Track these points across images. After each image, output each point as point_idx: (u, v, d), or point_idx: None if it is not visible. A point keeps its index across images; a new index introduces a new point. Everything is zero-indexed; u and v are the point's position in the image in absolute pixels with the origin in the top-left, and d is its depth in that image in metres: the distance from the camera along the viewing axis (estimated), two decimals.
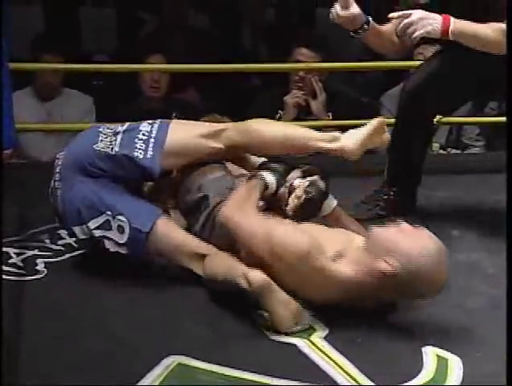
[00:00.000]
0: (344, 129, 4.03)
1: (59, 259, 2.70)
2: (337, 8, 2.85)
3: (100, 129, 2.62)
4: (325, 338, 2.23)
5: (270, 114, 4.00)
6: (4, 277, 2.54)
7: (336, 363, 2.12)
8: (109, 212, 2.51)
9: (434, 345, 2.19)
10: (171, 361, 2.09)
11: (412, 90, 2.98)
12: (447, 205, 3.00)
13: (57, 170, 2.62)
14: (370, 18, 2.91)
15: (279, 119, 4.00)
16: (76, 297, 2.46)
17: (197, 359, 2.11)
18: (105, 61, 5.10)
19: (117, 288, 2.48)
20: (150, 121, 2.63)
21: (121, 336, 2.22)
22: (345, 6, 2.83)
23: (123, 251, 2.52)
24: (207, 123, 2.68)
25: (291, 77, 4.09)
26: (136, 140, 2.56)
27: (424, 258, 2.19)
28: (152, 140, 2.56)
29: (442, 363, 2.13)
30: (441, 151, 4.18)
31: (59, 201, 2.60)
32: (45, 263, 2.65)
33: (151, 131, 2.58)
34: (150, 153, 2.54)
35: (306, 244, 2.26)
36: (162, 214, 2.56)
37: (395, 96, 4.23)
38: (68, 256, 2.72)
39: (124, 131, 2.59)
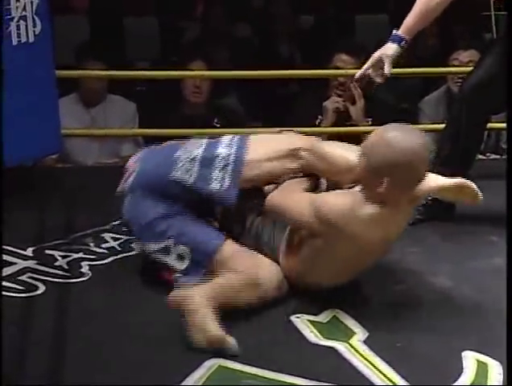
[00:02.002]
0: None
1: (103, 262, 2.74)
2: None
3: (176, 155, 2.56)
4: (365, 341, 2.25)
5: (310, 119, 4.04)
6: (50, 279, 2.59)
7: (375, 367, 2.14)
8: (171, 240, 2.50)
9: (473, 350, 2.20)
10: (213, 363, 2.12)
11: (469, 90, 2.99)
12: (485, 211, 2.99)
13: (130, 180, 2.59)
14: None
15: (319, 124, 4.02)
16: (119, 299, 2.50)
17: (238, 361, 2.13)
18: (147, 68, 5.16)
19: (159, 291, 2.49)
20: (227, 141, 2.59)
21: (163, 338, 2.25)
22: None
23: (175, 278, 2.50)
24: (284, 140, 2.65)
25: (331, 83, 4.11)
26: (213, 168, 2.53)
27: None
28: (230, 168, 2.52)
29: (482, 368, 2.14)
30: (480, 156, 4.16)
31: (126, 210, 2.59)
32: (89, 266, 2.69)
33: (229, 156, 2.54)
34: (226, 184, 2.51)
35: (348, 199, 2.34)
36: (225, 239, 2.52)
37: (434, 101, 4.26)
38: (111, 259, 2.76)
39: (201, 159, 2.54)
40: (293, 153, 2.54)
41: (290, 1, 5.78)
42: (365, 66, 2.91)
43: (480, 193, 2.42)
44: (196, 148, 2.58)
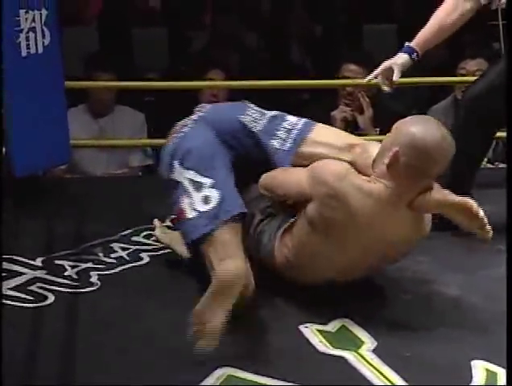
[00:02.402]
0: None
1: (112, 271, 2.74)
2: None
3: (249, 105, 2.67)
4: (374, 351, 2.25)
5: None
6: (59, 289, 2.60)
7: (385, 376, 2.13)
8: (210, 180, 2.49)
9: (483, 359, 2.20)
10: (222, 372, 2.12)
11: (469, 99, 2.99)
12: (494, 219, 2.98)
13: (191, 119, 2.66)
14: None
15: None
16: (128, 308, 2.50)
17: (248, 371, 2.13)
18: (156, 78, 5.18)
19: (168, 300, 2.52)
20: (296, 117, 2.65)
21: (172, 348, 2.25)
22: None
23: (190, 215, 2.47)
24: (344, 134, 2.72)
25: (339, 92, 4.12)
26: (280, 127, 2.59)
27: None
28: (295, 132, 2.58)
29: (491, 377, 2.13)
30: (489, 165, 4.16)
31: (179, 137, 2.62)
32: (98, 275, 2.70)
33: (297, 124, 2.61)
34: (288, 145, 2.56)
35: (344, 165, 2.41)
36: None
37: (441, 110, 4.26)
38: (120, 268, 2.76)
39: (271, 117, 2.63)
40: (349, 148, 2.56)
41: (305, 7, 5.82)
42: (375, 72, 2.92)
43: (488, 226, 2.40)
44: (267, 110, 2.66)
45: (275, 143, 2.57)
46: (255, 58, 5.29)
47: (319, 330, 2.35)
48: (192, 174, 2.53)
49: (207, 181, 2.50)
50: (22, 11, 3.07)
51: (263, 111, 2.67)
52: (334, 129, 2.87)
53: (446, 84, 4.23)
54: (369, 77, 2.96)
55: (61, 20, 3.31)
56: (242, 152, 2.61)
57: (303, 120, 2.65)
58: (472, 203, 2.40)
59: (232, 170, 2.57)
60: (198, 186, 2.50)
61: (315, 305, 2.46)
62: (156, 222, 2.88)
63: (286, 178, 2.53)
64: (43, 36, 3.16)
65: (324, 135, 2.61)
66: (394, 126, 2.44)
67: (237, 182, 2.56)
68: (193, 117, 2.70)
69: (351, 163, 2.49)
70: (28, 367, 2.11)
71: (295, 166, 2.55)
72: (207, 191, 2.49)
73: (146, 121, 4.34)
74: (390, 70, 2.90)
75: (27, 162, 3.15)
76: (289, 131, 2.59)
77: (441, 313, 2.48)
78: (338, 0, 6.40)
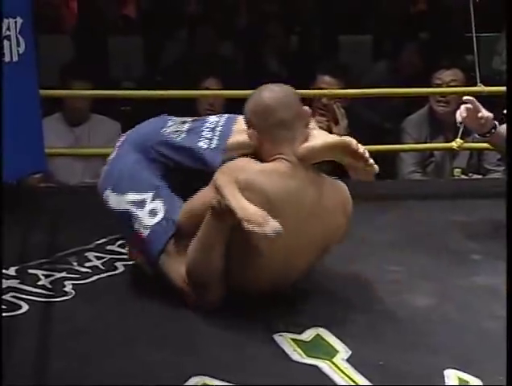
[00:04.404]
0: None
1: (86, 281, 2.73)
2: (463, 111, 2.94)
3: (169, 118, 2.68)
4: (348, 360, 2.25)
5: None
6: (33, 298, 2.59)
7: (358, 385, 2.13)
8: (150, 193, 2.54)
9: (456, 368, 2.20)
10: (197, 381, 2.12)
11: None
12: (467, 229, 3.02)
13: (116, 146, 2.69)
14: (497, 123, 3.00)
15: None
16: (103, 317, 2.49)
17: (220, 379, 2.13)
18: (132, 87, 5.18)
19: (143, 310, 2.52)
20: (217, 116, 2.67)
21: (148, 356, 2.25)
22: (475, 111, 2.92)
23: (145, 234, 2.51)
24: None
25: (315, 103, 4.13)
26: (203, 128, 2.60)
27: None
28: (219, 128, 2.59)
29: None
30: (463, 176, 4.20)
31: (110, 163, 2.66)
32: (73, 285, 2.69)
33: (219, 120, 2.62)
34: (215, 142, 2.56)
35: (245, 160, 2.48)
36: None
37: (416, 121, 4.29)
38: (95, 278, 2.75)
39: (192, 120, 2.65)
40: None
41: (280, 19, 5.84)
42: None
43: (371, 160, 2.42)
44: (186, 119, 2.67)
45: (202, 144, 2.57)
46: (231, 68, 5.30)
47: (293, 339, 2.35)
48: (130, 196, 2.56)
49: (147, 196, 2.54)
50: None
51: (184, 119, 2.67)
52: None
53: (421, 95, 4.25)
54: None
55: (37, 28, 3.30)
56: (171, 164, 2.59)
57: (225, 115, 2.66)
58: (350, 139, 2.44)
59: (167, 184, 2.57)
60: (140, 203, 2.54)
61: (289, 314, 2.47)
62: None
63: (189, 202, 2.52)
64: (18, 44, 3.15)
65: None
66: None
67: (180, 193, 2.57)
68: (117, 144, 2.71)
69: None
70: (2, 376, 2.09)
71: (227, 159, 2.53)
72: (151, 205, 2.53)
73: (122, 130, 4.31)
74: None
75: (2, 170, 3.13)
76: (213, 129, 2.59)
77: (414, 322, 2.48)
78: (314, 11, 6.45)
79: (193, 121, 2.66)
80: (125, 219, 2.56)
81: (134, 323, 2.45)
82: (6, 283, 2.67)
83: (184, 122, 2.65)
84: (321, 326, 2.41)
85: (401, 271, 2.84)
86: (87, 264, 2.84)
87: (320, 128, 4.01)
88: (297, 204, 2.41)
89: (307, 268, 2.57)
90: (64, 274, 2.76)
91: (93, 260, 2.88)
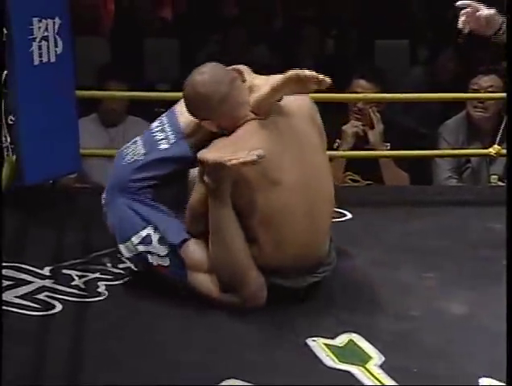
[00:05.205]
0: (401, 159, 4.06)
1: (119, 282, 2.74)
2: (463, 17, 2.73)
3: (122, 149, 2.70)
4: (381, 366, 2.24)
5: (328, 143, 4.04)
6: (67, 298, 2.61)
7: None
8: (149, 227, 2.55)
9: (490, 376, 2.19)
10: (229, 385, 2.12)
11: None
12: (503, 237, 2.97)
13: (103, 197, 2.70)
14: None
15: (337, 148, 4.02)
16: (135, 318, 2.50)
17: (253, 383, 2.13)
18: (167, 89, 5.19)
19: (173, 311, 2.52)
20: (158, 120, 2.69)
21: (180, 359, 2.25)
22: (474, 12, 2.72)
23: (165, 263, 2.54)
24: None
25: (350, 107, 4.12)
26: (153, 133, 2.62)
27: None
28: (166, 123, 2.61)
29: None
30: (499, 183, 4.15)
31: (109, 224, 2.68)
32: (106, 285, 2.70)
33: (162, 118, 2.65)
34: (171, 137, 2.57)
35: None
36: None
37: (453, 126, 4.25)
38: (128, 279, 2.76)
39: (140, 136, 2.68)
40: None
41: (316, 22, 5.82)
42: None
43: (320, 76, 2.49)
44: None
45: (163, 146, 2.58)
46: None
47: (326, 345, 2.34)
48: (133, 240, 2.58)
49: (148, 231, 2.56)
50: (35, 20, 3.09)
51: (134, 139, 2.69)
52: None
53: (458, 100, 4.21)
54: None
55: (74, 30, 3.32)
56: (151, 183, 2.58)
57: (164, 115, 2.67)
58: (295, 71, 2.46)
59: (157, 208, 2.58)
60: (146, 241, 2.56)
61: (322, 319, 2.46)
62: None
63: (188, 208, 2.54)
64: (56, 45, 3.17)
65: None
66: None
67: (172, 205, 2.59)
68: (103, 195, 2.71)
69: None
70: (35, 375, 2.11)
71: (195, 144, 2.54)
72: (156, 234, 2.55)
73: None
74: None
75: (37, 171, 3.16)
76: (162, 128, 2.61)
77: (449, 329, 2.46)
78: (350, 14, 6.43)
79: (141, 135, 2.68)
80: (143, 260, 2.59)
81: (166, 325, 2.45)
82: (40, 283, 2.69)
83: (135, 141, 2.66)
84: (354, 332, 2.40)
85: (435, 277, 2.81)
86: (120, 266, 2.84)
87: (356, 132, 4.06)
88: (292, 146, 2.47)
89: (330, 220, 2.58)
90: (97, 275, 2.78)
91: (126, 261, 2.88)
